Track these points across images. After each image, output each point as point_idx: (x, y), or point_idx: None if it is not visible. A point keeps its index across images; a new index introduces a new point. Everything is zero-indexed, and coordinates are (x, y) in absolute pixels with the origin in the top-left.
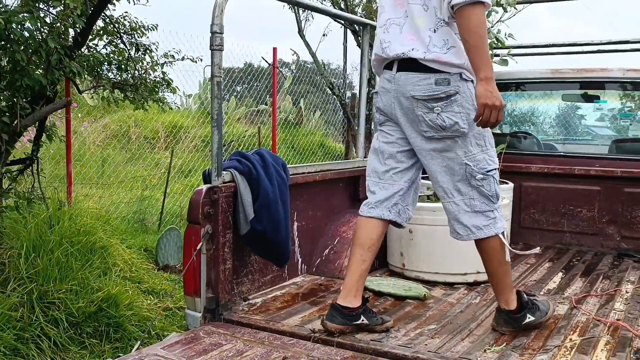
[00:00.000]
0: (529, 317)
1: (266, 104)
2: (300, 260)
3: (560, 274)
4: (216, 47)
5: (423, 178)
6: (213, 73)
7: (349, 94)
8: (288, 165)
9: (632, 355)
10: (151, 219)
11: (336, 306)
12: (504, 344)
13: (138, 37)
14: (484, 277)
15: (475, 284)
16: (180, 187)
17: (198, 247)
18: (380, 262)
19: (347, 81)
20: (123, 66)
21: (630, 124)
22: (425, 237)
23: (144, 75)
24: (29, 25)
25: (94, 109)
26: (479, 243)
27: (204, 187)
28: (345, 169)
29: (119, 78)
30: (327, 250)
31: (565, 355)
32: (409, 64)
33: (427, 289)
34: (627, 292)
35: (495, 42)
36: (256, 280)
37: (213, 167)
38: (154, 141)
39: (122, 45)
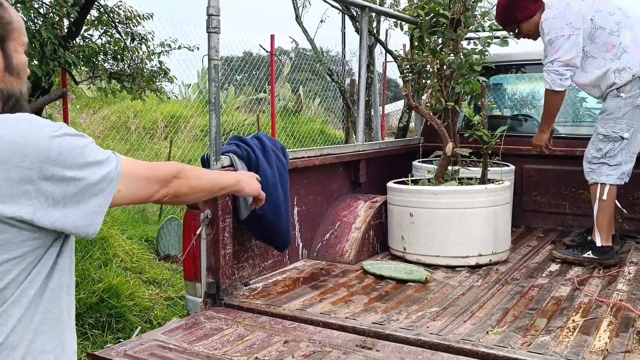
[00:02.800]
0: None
1: (265, 92)
2: (301, 244)
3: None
4: (212, 29)
5: (424, 162)
6: (210, 56)
7: (348, 80)
8: (287, 150)
9: (635, 336)
10: (151, 209)
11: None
12: (506, 326)
13: (133, 27)
14: (485, 259)
15: (477, 266)
16: None
17: (198, 232)
18: (382, 246)
19: (347, 68)
20: (119, 56)
21: None
22: (426, 221)
23: (141, 65)
24: (22, 15)
25: (93, 100)
26: None
27: None
28: (345, 153)
29: (116, 68)
30: (327, 235)
31: (567, 336)
32: None
33: (428, 272)
34: (629, 273)
35: (496, 24)
36: (257, 265)
37: (211, 152)
38: (153, 131)
39: (117, 35)
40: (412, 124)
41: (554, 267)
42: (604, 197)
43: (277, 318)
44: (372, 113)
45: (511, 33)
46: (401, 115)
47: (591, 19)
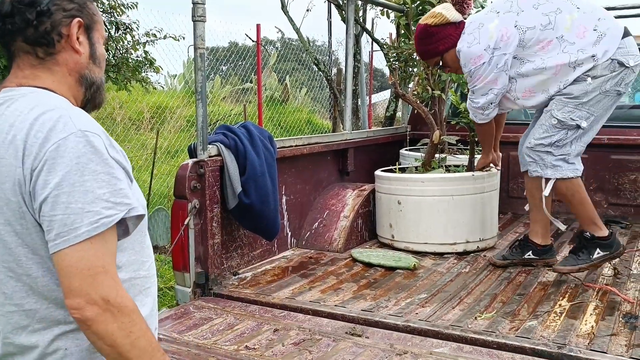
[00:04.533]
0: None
1: (251, 82)
2: (289, 234)
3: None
4: (198, 18)
5: (411, 150)
6: (196, 45)
7: (334, 70)
8: (275, 139)
9: (620, 319)
10: None
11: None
12: (494, 311)
13: (118, 16)
14: (473, 246)
15: (465, 253)
16: (167, 167)
17: (186, 222)
18: (370, 234)
19: (333, 57)
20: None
21: None
22: (414, 208)
23: (126, 54)
24: None
25: None
26: None
27: (190, 161)
28: (333, 142)
29: None
30: (316, 224)
31: (555, 321)
32: None
33: (416, 259)
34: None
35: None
36: (246, 254)
37: (198, 141)
38: (139, 122)
39: None
40: (399, 113)
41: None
42: (546, 192)
43: (267, 307)
44: (359, 102)
45: (436, 68)
46: (388, 104)
47: (515, 26)
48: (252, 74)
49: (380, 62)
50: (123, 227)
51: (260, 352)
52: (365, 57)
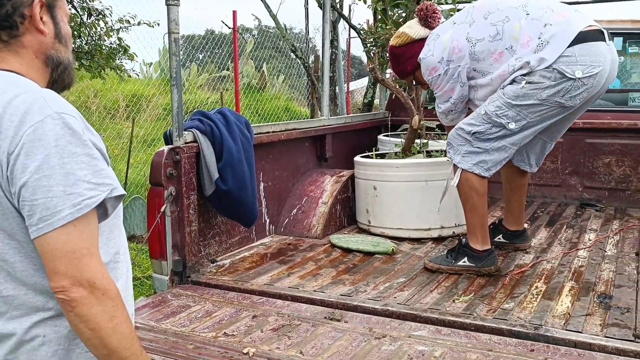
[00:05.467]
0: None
1: (228, 70)
2: (267, 220)
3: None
4: (172, 1)
5: (390, 135)
6: (170, 29)
7: (312, 57)
8: (252, 125)
9: (595, 299)
10: None
11: None
12: (472, 294)
13: (90, 1)
14: (448, 232)
15: (440, 238)
16: (144, 156)
17: (162, 209)
18: (349, 220)
19: (310, 45)
20: (76, 32)
21: None
22: (389, 194)
23: (99, 41)
24: None
25: None
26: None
27: (166, 148)
28: (311, 128)
29: (73, 45)
30: (294, 210)
31: (531, 302)
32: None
33: (394, 244)
34: (589, 239)
35: None
36: (224, 241)
37: (174, 128)
38: (115, 111)
39: (73, 11)
40: (376, 101)
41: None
42: (453, 182)
43: (245, 293)
44: (337, 90)
45: (414, 85)
46: (366, 91)
47: (466, 38)
48: (229, 61)
49: (358, 49)
50: (102, 210)
51: (239, 338)
52: (342, 44)
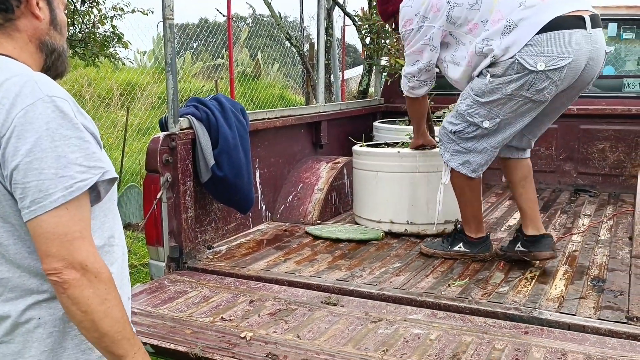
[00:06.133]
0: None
1: (223, 58)
2: (263, 207)
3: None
4: None
5: (386, 122)
6: (165, 15)
7: (307, 46)
8: (247, 112)
9: (589, 283)
10: None
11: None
12: (467, 278)
13: None
14: (399, 228)
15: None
16: (139, 145)
17: (158, 196)
18: (344, 207)
19: (305, 33)
20: (69, 20)
21: None
22: (387, 183)
23: (93, 29)
24: None
25: None
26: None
27: (161, 134)
28: (306, 115)
29: (66, 33)
30: (290, 197)
31: (526, 286)
32: (599, 20)
33: (382, 231)
34: (583, 224)
35: None
36: (220, 228)
37: (169, 114)
38: (109, 100)
39: None
40: (372, 89)
41: (513, 221)
42: (444, 179)
43: (242, 279)
44: (332, 78)
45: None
46: (361, 79)
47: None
48: (224, 49)
49: (353, 38)
50: (95, 193)
51: (236, 323)
52: (337, 33)
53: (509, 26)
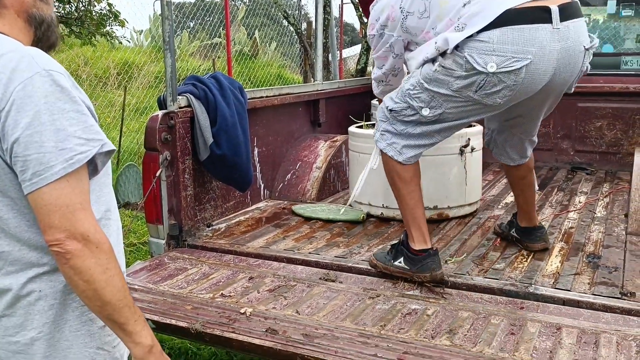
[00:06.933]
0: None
1: (220, 37)
2: (262, 185)
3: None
4: None
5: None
6: None
7: (304, 25)
8: (245, 90)
9: (584, 259)
10: None
11: None
12: (464, 255)
13: None
14: (375, 211)
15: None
16: (137, 125)
17: (157, 174)
18: (342, 185)
19: (303, 12)
20: None
21: None
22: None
23: (89, 7)
24: None
25: None
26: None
27: (160, 112)
28: (305, 93)
29: (62, 11)
30: (289, 175)
31: (522, 262)
32: (574, 9)
33: (363, 211)
34: (579, 202)
35: None
36: (219, 206)
37: (167, 92)
38: (106, 79)
39: None
40: (369, 67)
41: (509, 198)
42: (372, 162)
43: (241, 256)
44: (330, 56)
45: None
46: (359, 57)
47: (400, 8)
48: (221, 28)
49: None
50: (92, 166)
51: (235, 299)
52: (335, 11)
53: (458, 27)
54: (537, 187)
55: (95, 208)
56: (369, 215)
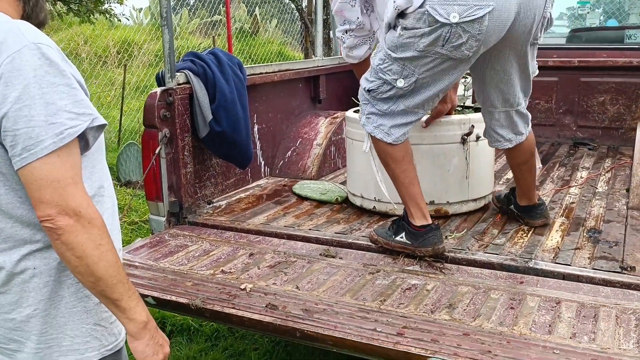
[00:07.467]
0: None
1: (220, 14)
2: (262, 162)
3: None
4: None
5: None
6: None
7: (305, 1)
8: (245, 66)
9: (584, 234)
10: (109, 137)
11: None
12: (465, 230)
13: None
14: (368, 204)
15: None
16: (137, 104)
17: (157, 151)
18: (343, 161)
19: None
20: None
21: (588, 13)
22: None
23: None
24: None
25: None
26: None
27: (158, 89)
28: (305, 69)
29: None
30: (289, 152)
31: (522, 238)
32: None
33: (342, 193)
34: (581, 177)
35: None
36: (219, 183)
37: (166, 69)
38: (106, 58)
39: None
40: None
41: (510, 174)
42: (364, 147)
43: (242, 233)
44: (331, 34)
45: None
46: None
47: None
48: (221, 5)
49: None
50: (83, 141)
51: (236, 275)
52: None
53: None
54: (539, 164)
55: (88, 184)
56: (362, 209)
